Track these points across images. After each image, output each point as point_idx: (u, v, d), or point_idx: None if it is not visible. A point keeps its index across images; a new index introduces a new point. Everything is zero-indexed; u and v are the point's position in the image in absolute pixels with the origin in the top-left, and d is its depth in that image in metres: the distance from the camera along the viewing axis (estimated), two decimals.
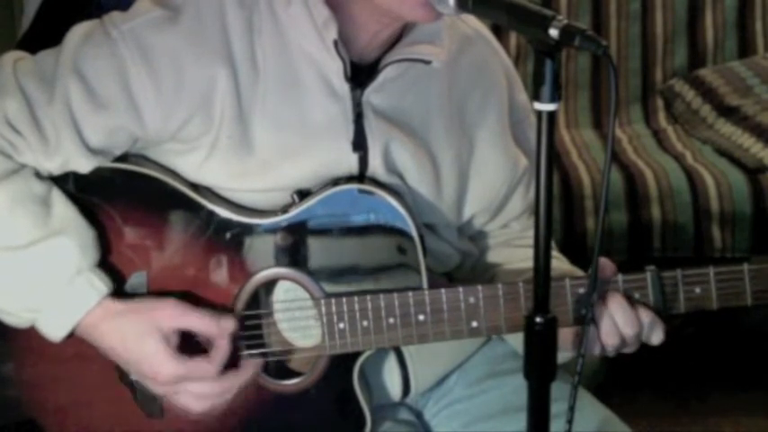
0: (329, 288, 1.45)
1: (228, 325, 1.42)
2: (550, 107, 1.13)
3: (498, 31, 2.84)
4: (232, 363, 1.43)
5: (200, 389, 1.42)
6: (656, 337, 1.46)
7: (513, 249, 1.63)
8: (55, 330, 1.42)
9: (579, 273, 1.55)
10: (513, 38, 3.14)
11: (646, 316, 1.44)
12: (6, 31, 3.00)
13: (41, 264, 1.40)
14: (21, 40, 2.37)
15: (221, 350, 1.42)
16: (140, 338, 1.40)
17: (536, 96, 1.13)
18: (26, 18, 2.43)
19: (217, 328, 1.42)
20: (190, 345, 1.43)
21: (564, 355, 1.43)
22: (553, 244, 1.41)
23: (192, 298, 1.45)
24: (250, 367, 1.45)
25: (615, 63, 1.43)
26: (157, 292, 1.45)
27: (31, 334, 1.43)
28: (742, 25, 3.26)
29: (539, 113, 1.14)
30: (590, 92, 3.23)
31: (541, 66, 1.13)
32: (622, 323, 1.42)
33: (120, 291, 1.44)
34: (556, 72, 1.12)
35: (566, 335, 1.43)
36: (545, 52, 1.12)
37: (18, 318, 1.43)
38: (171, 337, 1.41)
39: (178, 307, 1.42)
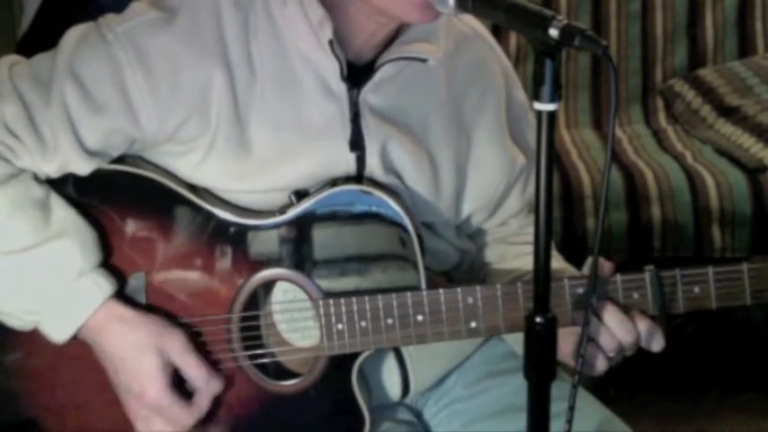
0: (329, 286, 1.45)
1: (215, 386, 1.44)
2: (550, 107, 1.13)
3: (498, 31, 2.85)
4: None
5: (167, 429, 1.42)
6: (657, 345, 1.45)
7: (507, 246, 1.63)
8: (59, 332, 1.42)
9: (573, 270, 1.55)
10: (513, 38, 3.14)
11: (642, 324, 1.43)
12: (6, 31, 3.00)
13: (43, 267, 1.40)
14: (20, 41, 2.37)
15: (201, 407, 1.43)
16: (142, 353, 1.41)
17: (536, 96, 1.13)
18: (26, 18, 2.44)
19: (206, 385, 1.43)
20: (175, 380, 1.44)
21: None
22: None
23: (190, 299, 1.45)
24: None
25: (615, 63, 1.42)
26: (156, 292, 1.45)
27: (32, 334, 1.43)
28: (742, 25, 3.26)
29: (539, 113, 1.14)
30: (590, 92, 3.23)
31: (541, 66, 1.12)
32: (618, 331, 1.41)
33: (120, 292, 1.44)
34: (556, 72, 1.12)
35: (564, 345, 1.41)
36: (545, 52, 1.12)
37: (21, 320, 1.43)
38: (168, 367, 1.42)
39: (184, 343, 1.43)
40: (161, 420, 1.42)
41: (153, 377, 1.40)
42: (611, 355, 1.43)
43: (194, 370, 1.43)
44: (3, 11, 3.07)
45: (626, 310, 1.43)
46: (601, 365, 1.43)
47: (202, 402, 1.43)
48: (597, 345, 1.42)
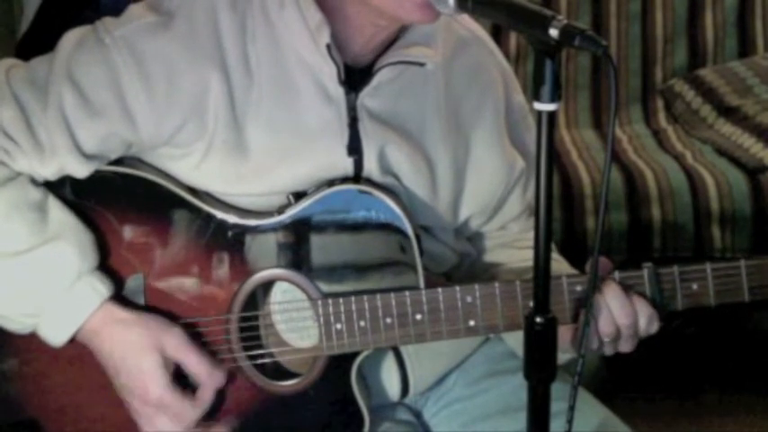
0: (328, 287, 1.45)
1: (219, 379, 1.43)
2: (550, 107, 1.13)
3: (498, 32, 2.85)
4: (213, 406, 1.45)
5: (172, 426, 1.42)
6: (652, 328, 1.45)
7: (512, 251, 1.63)
8: (57, 335, 1.41)
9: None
10: (513, 38, 3.14)
11: (642, 306, 1.43)
12: (6, 31, 3.00)
13: (41, 269, 1.40)
14: (20, 42, 2.37)
15: (205, 401, 1.43)
16: (141, 352, 1.40)
17: (536, 96, 1.13)
18: (26, 19, 2.44)
19: (208, 379, 1.43)
20: (177, 377, 1.43)
21: (563, 357, 1.43)
22: (553, 246, 1.41)
23: (188, 300, 1.45)
24: (224, 427, 1.46)
25: (615, 63, 1.43)
26: (155, 294, 1.45)
27: (31, 337, 1.43)
28: (742, 25, 3.26)
29: (539, 113, 1.14)
30: (590, 92, 3.22)
31: (541, 66, 1.12)
32: (618, 312, 1.42)
33: (118, 294, 1.44)
34: (556, 72, 1.12)
35: (564, 332, 1.42)
36: (545, 52, 1.12)
37: (19, 324, 1.43)
38: (169, 365, 1.41)
39: (183, 339, 1.42)
40: (166, 418, 1.42)
41: (154, 376, 1.40)
42: (606, 338, 1.43)
43: (195, 365, 1.42)
44: (3, 11, 3.07)
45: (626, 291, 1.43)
46: (592, 343, 1.44)
47: (206, 396, 1.43)
48: (594, 322, 1.42)
